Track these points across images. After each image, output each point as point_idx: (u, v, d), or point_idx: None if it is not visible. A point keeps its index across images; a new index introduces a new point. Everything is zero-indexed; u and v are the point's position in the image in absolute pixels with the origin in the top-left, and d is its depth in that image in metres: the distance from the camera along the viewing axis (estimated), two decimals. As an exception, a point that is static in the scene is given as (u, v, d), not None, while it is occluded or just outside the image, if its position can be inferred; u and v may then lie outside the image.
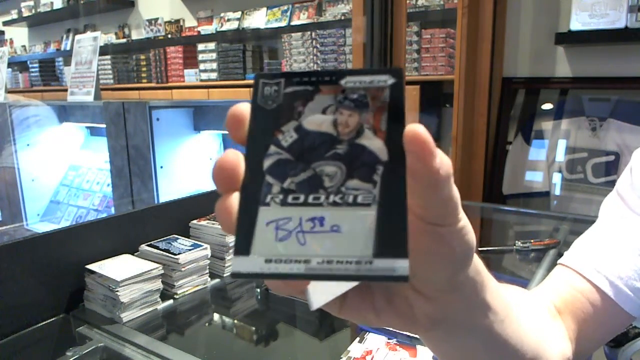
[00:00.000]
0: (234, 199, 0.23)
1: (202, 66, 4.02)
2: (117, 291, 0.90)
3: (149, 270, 0.95)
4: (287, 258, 0.22)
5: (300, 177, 0.23)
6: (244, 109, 0.25)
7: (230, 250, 1.14)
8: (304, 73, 0.25)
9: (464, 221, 0.26)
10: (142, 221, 1.12)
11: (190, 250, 1.04)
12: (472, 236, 0.27)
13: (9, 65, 4.55)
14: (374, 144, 0.23)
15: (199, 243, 1.08)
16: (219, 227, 1.15)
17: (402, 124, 0.23)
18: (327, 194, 0.23)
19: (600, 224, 0.54)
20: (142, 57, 4.46)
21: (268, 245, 0.22)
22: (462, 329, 0.33)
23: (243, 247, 0.22)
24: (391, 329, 0.78)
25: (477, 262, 0.30)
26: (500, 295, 0.34)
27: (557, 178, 1.87)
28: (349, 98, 0.24)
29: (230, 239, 1.13)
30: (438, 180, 0.23)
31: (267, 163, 0.24)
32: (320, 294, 0.27)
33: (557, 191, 1.87)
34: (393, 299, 0.29)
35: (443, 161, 0.23)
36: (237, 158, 0.24)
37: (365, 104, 0.24)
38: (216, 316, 1.04)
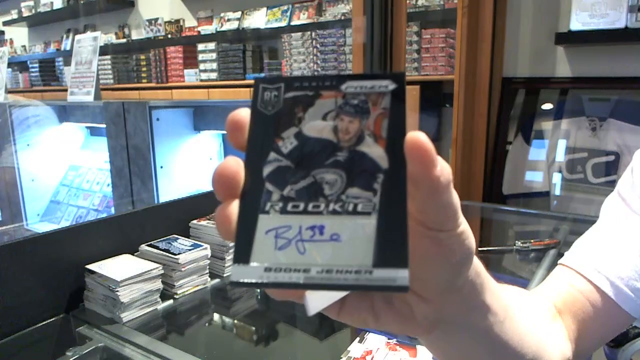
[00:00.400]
0: (234, 206, 0.23)
1: (202, 66, 4.02)
2: (117, 291, 0.90)
3: (149, 270, 0.95)
4: (286, 267, 0.22)
5: (300, 185, 0.23)
6: (244, 114, 0.25)
7: (231, 250, 1.14)
8: (304, 78, 0.25)
9: (463, 226, 0.26)
10: (142, 221, 1.12)
11: (190, 250, 1.04)
12: (471, 240, 0.27)
13: (9, 65, 4.56)
14: (375, 151, 0.23)
15: (199, 243, 1.08)
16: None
17: (403, 130, 0.23)
18: (327, 202, 0.23)
19: (601, 224, 0.54)
20: (142, 57, 4.46)
21: (267, 253, 0.22)
22: (461, 331, 0.33)
23: (242, 256, 0.22)
24: (391, 332, 0.78)
25: (477, 264, 0.30)
26: (500, 296, 0.34)
27: (557, 178, 1.87)
28: (349, 104, 0.24)
29: (230, 239, 1.12)
30: (438, 188, 0.23)
31: (266, 170, 0.24)
32: (318, 299, 0.27)
33: (557, 191, 1.87)
34: (392, 302, 0.29)
35: (443, 168, 0.23)
36: (237, 165, 0.24)
37: (366, 109, 0.24)
38: (216, 316, 1.04)
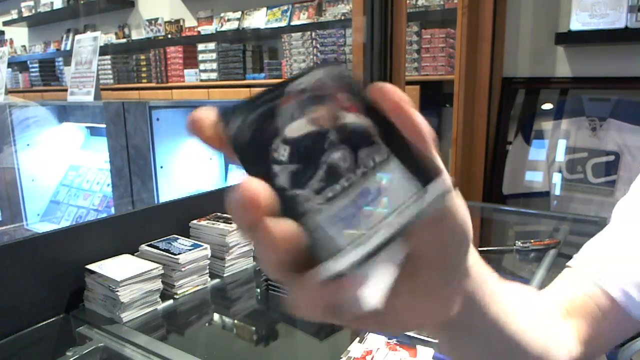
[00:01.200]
0: (284, 222, 0.23)
1: (202, 66, 4.02)
2: (117, 291, 0.90)
3: (149, 270, 0.95)
4: (365, 235, 0.23)
5: (319, 175, 0.24)
6: (201, 110, 0.25)
7: (231, 250, 1.14)
8: (254, 97, 0.26)
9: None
10: (142, 221, 1.12)
11: (190, 250, 1.04)
12: (463, 211, 0.27)
13: (9, 65, 4.56)
14: (354, 118, 0.25)
15: (199, 243, 1.08)
16: (219, 227, 1.15)
17: (359, 90, 0.25)
18: (352, 172, 0.24)
19: (612, 227, 0.54)
20: (142, 57, 4.46)
21: (342, 238, 0.23)
22: (468, 332, 0.33)
23: (325, 253, 0.23)
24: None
25: (484, 267, 0.30)
26: (509, 295, 0.35)
27: (557, 178, 1.87)
28: (307, 97, 0.25)
29: (230, 239, 1.13)
30: (408, 105, 0.25)
31: (281, 181, 0.24)
32: (374, 287, 0.27)
33: (557, 191, 1.87)
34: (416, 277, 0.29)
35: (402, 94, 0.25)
36: (258, 182, 0.23)
37: (323, 95, 0.25)
38: (216, 316, 1.04)
